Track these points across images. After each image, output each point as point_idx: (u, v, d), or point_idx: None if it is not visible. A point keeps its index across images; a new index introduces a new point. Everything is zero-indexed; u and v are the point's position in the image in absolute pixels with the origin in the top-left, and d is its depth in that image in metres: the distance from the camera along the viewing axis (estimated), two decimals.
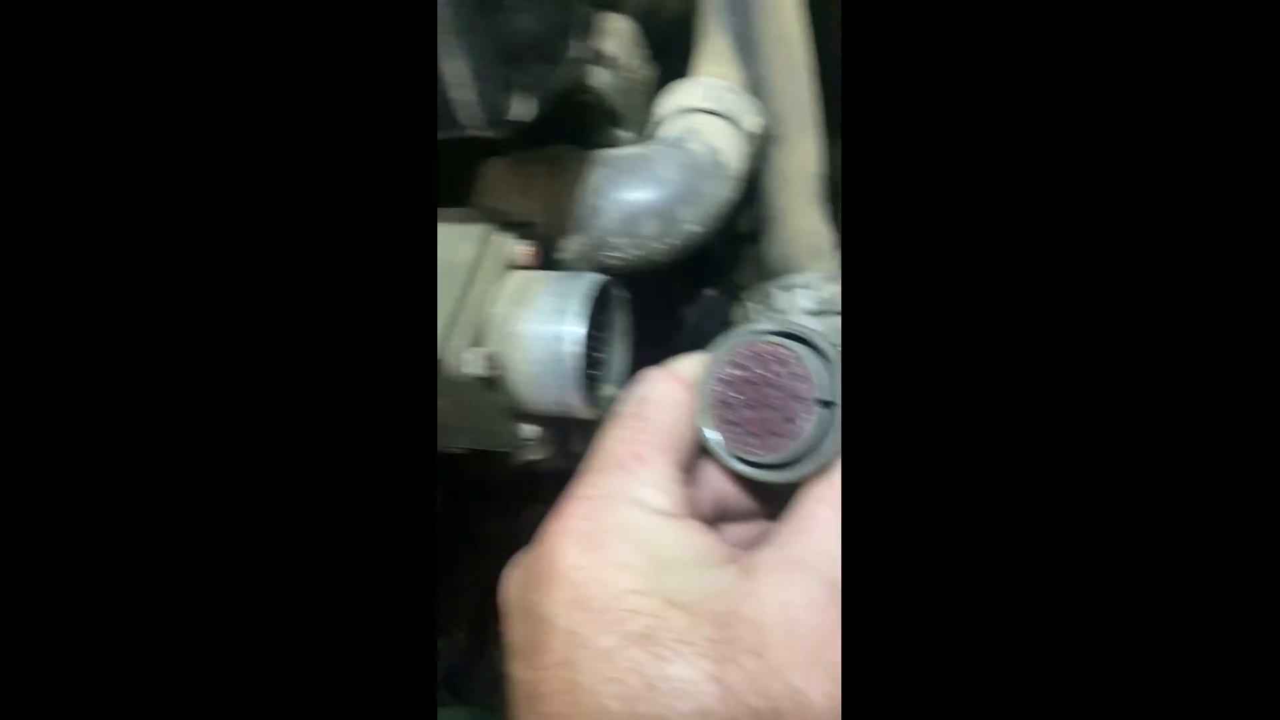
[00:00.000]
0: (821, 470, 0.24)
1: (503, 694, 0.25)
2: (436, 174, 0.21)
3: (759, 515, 0.26)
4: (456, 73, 0.20)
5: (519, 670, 0.23)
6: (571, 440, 0.37)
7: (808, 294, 0.32)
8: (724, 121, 0.31)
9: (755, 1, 0.35)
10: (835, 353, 0.24)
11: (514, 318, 0.26)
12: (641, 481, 0.23)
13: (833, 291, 0.33)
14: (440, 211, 0.28)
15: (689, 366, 0.25)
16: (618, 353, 0.29)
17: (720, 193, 0.30)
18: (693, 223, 0.29)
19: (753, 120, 0.32)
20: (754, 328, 0.25)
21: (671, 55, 0.39)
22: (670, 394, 0.25)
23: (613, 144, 0.33)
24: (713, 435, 0.25)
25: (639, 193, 0.29)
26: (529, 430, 0.29)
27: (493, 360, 0.25)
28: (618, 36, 0.33)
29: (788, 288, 0.29)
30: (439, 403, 0.26)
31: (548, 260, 0.29)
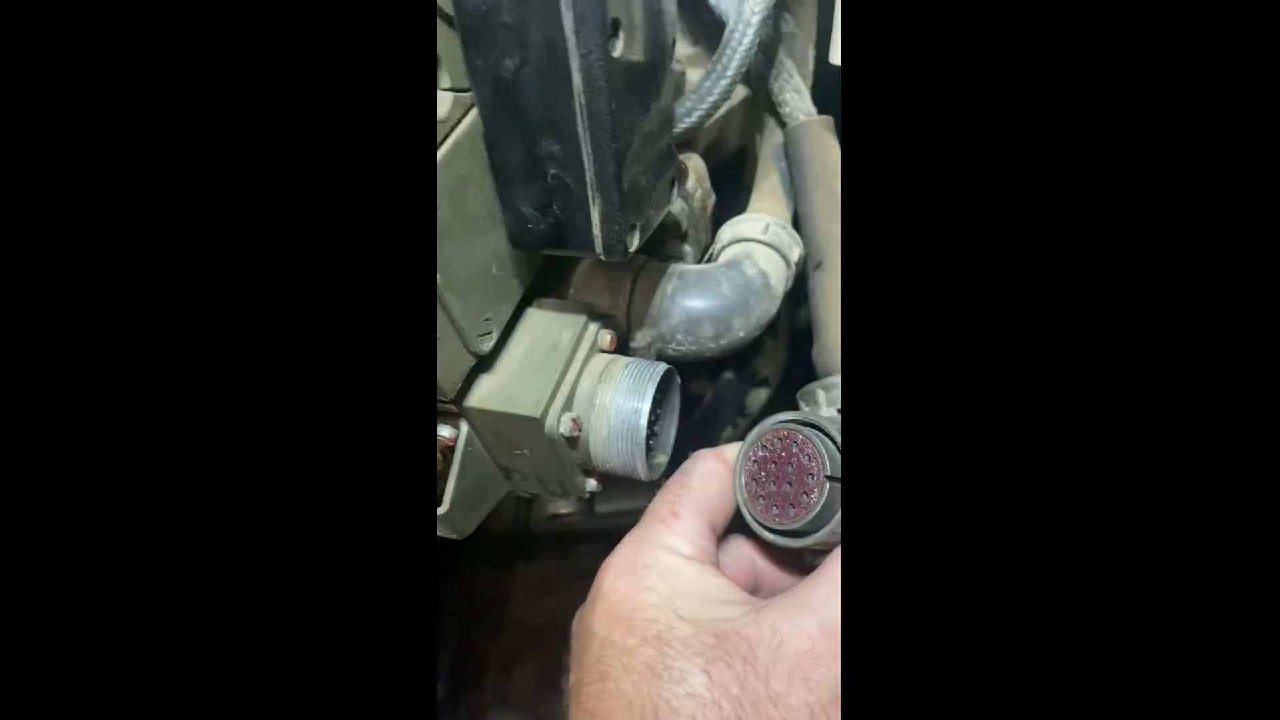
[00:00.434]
0: (837, 537, 0.29)
1: None
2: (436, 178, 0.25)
3: (787, 585, 0.31)
4: (598, 216, 0.27)
5: (571, 676, 0.29)
6: (597, 501, 0.43)
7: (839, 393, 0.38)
8: (774, 251, 0.38)
9: (800, 150, 0.42)
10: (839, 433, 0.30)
11: (598, 392, 0.32)
12: (674, 533, 0.30)
13: None
14: (543, 300, 0.35)
15: (731, 449, 0.31)
16: (670, 427, 0.36)
17: (766, 309, 0.37)
18: (742, 330, 0.36)
19: (797, 252, 0.39)
20: (779, 418, 0.31)
21: (726, 180, 0.47)
22: (710, 468, 0.31)
23: (680, 256, 0.41)
24: (745, 506, 0.30)
25: (702, 302, 0.36)
26: (591, 484, 0.35)
27: (578, 424, 0.32)
28: (693, 172, 0.41)
29: (826, 387, 0.35)
30: (524, 452, 0.33)
31: (623, 346, 0.36)
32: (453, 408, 0.31)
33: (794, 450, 0.29)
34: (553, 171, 0.26)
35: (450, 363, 0.29)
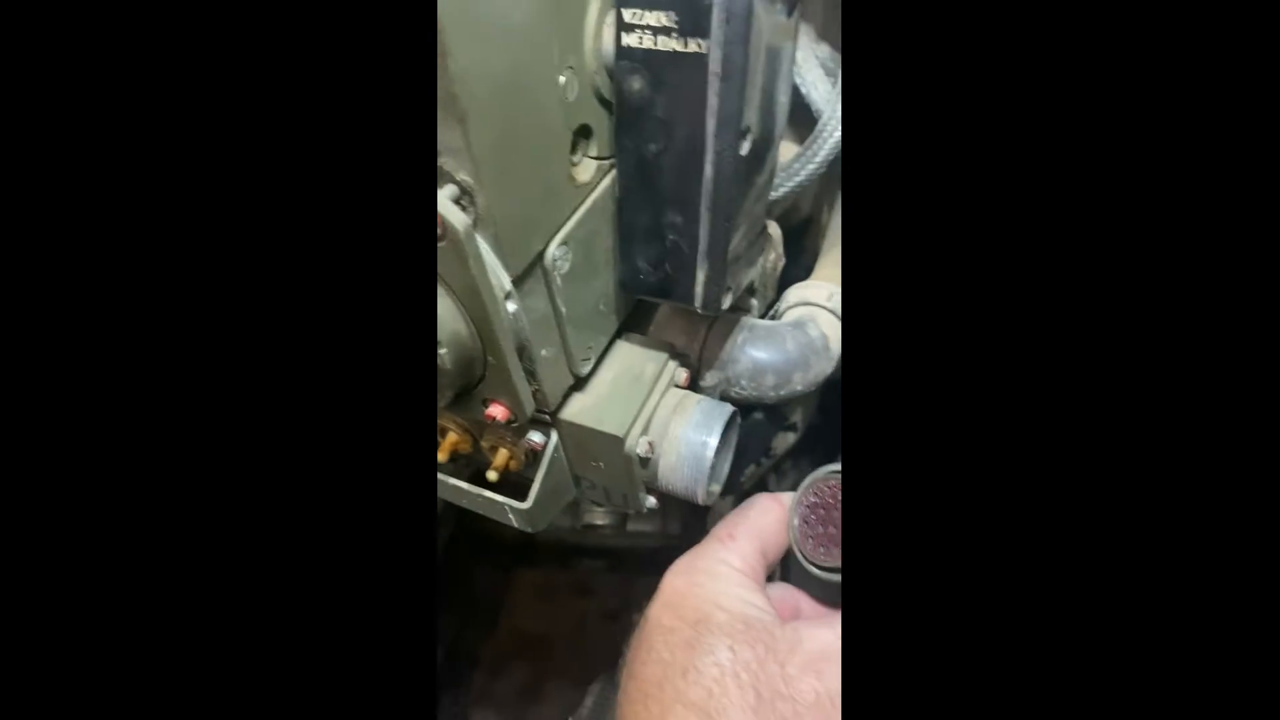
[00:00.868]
0: None
1: None
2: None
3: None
4: (703, 277, 0.32)
5: (627, 654, 0.33)
6: (630, 521, 0.48)
7: None
8: (835, 318, 0.43)
9: None
10: None
11: (672, 422, 0.37)
12: (729, 550, 0.35)
13: None
14: (631, 335, 0.40)
15: (787, 496, 0.36)
16: (725, 462, 0.40)
17: (824, 368, 0.42)
18: (800, 385, 0.41)
19: None
20: (832, 468, 0.35)
21: (791, 241, 0.52)
22: (767, 506, 0.36)
23: (747, 309, 0.46)
24: (796, 544, 0.35)
25: (767, 355, 0.41)
26: (651, 501, 0.40)
27: (652, 447, 0.37)
28: (770, 237, 0.46)
29: None
30: (599, 465, 0.37)
31: (693, 384, 0.41)
32: (547, 418, 0.36)
33: (840, 498, 0.34)
34: (671, 237, 0.32)
35: (556, 380, 0.34)
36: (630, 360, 0.38)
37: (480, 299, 0.27)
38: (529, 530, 0.38)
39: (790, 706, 0.28)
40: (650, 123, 0.29)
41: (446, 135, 0.24)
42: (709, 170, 0.29)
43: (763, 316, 0.46)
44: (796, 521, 0.35)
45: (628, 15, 0.27)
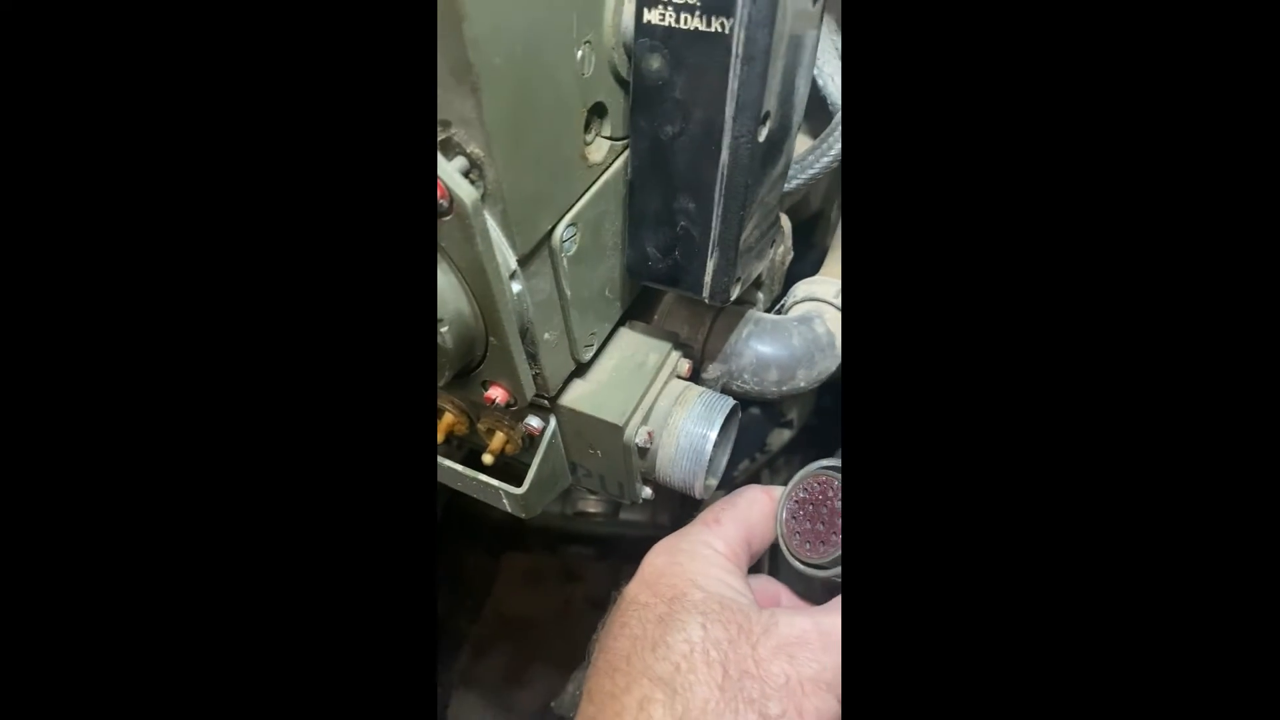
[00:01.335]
0: None
1: None
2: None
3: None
4: (712, 267, 0.31)
5: (601, 629, 0.33)
6: (622, 510, 0.47)
7: None
8: (841, 313, 0.42)
9: None
10: None
11: (672, 413, 0.36)
12: (713, 534, 0.34)
13: None
14: (634, 323, 0.39)
15: (777, 489, 0.36)
16: (724, 456, 0.40)
17: (828, 365, 0.41)
18: (803, 381, 0.40)
19: None
20: (823, 463, 0.35)
21: (800, 236, 0.52)
22: (755, 497, 0.36)
23: (753, 301, 0.45)
24: (782, 538, 0.35)
25: (772, 349, 0.40)
26: (647, 492, 0.39)
27: (651, 437, 0.36)
28: (781, 230, 0.45)
29: None
30: (595, 451, 0.37)
31: (695, 375, 0.40)
32: (546, 403, 0.36)
33: (829, 495, 0.34)
34: (682, 223, 0.31)
35: (558, 365, 0.33)
36: (633, 348, 0.38)
37: (485, 277, 0.26)
38: (522, 516, 0.37)
39: (759, 687, 0.28)
40: (667, 104, 0.28)
41: (458, 104, 0.23)
42: (725, 156, 0.28)
43: (768, 310, 0.45)
44: (784, 515, 0.35)
45: None
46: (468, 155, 0.24)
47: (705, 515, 0.36)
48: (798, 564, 0.34)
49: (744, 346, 0.40)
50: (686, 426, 0.36)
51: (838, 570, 0.33)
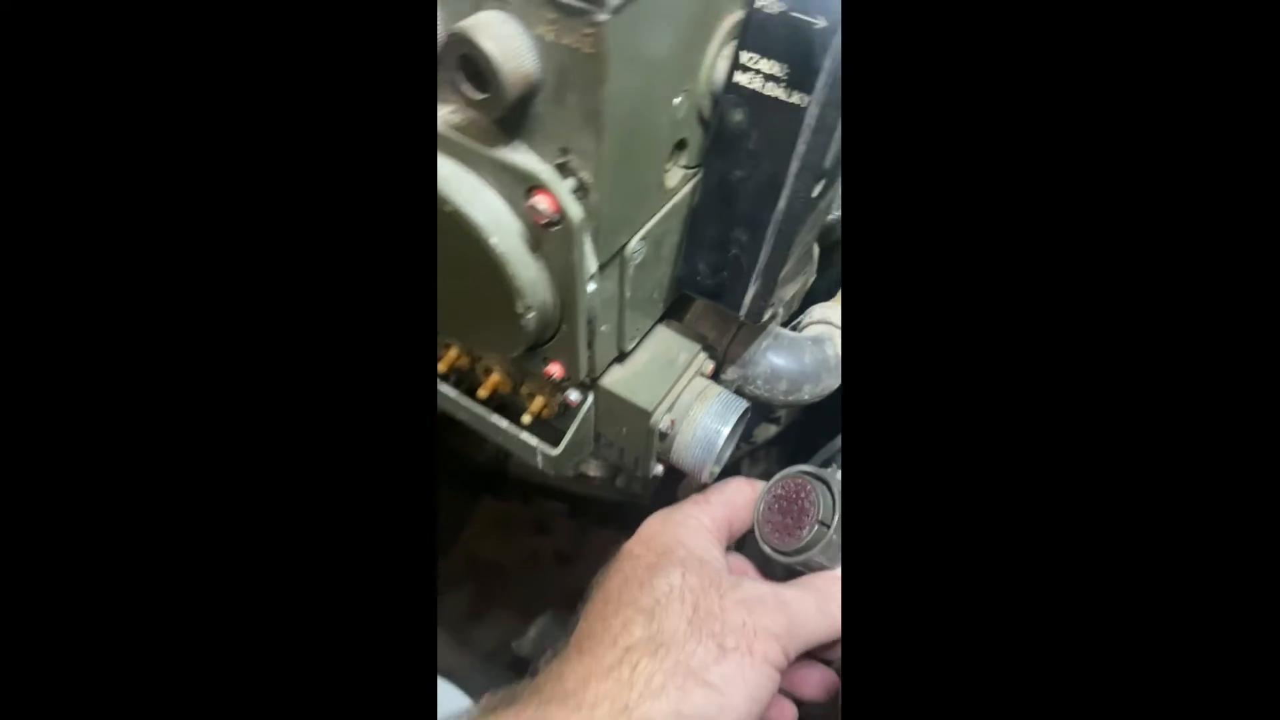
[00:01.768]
0: (817, 565, 0.40)
1: None
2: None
3: None
4: (753, 291, 0.36)
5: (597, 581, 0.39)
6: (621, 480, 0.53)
7: None
8: None
9: None
10: (841, 495, 0.40)
11: (693, 407, 0.42)
12: (702, 510, 0.42)
13: None
14: (670, 322, 0.45)
15: (759, 484, 0.42)
16: (729, 449, 0.46)
17: (831, 384, 0.47)
18: (807, 395, 0.46)
19: None
20: (800, 468, 0.42)
21: (823, 259, 0.57)
22: (740, 486, 0.43)
23: (774, 316, 0.50)
24: (757, 524, 0.41)
25: (785, 363, 0.46)
26: (659, 469, 0.45)
27: (673, 424, 0.41)
28: (811, 259, 0.50)
29: None
30: (622, 429, 0.42)
31: (715, 375, 0.46)
32: (587, 382, 0.41)
33: (802, 495, 0.41)
34: (734, 251, 0.36)
35: (605, 352, 0.39)
36: (667, 345, 0.43)
37: (572, 278, 0.31)
38: (550, 473, 0.43)
39: (720, 625, 0.34)
40: (741, 152, 0.33)
41: (581, 140, 0.28)
42: (783, 204, 0.33)
43: (785, 325, 0.50)
44: (762, 507, 0.41)
45: (744, 58, 0.31)
46: (579, 179, 0.29)
47: (697, 496, 0.43)
48: (766, 548, 0.41)
49: (761, 356, 0.46)
50: (704, 420, 0.41)
51: (798, 559, 0.40)
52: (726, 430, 0.41)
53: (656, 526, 0.41)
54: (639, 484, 1.10)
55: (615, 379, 0.41)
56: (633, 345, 0.41)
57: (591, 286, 0.33)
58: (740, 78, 0.31)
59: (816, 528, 0.39)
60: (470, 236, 0.30)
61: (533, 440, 0.41)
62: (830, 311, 0.49)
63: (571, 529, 1.29)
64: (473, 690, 0.72)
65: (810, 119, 0.31)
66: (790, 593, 0.37)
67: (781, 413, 0.73)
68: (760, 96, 0.31)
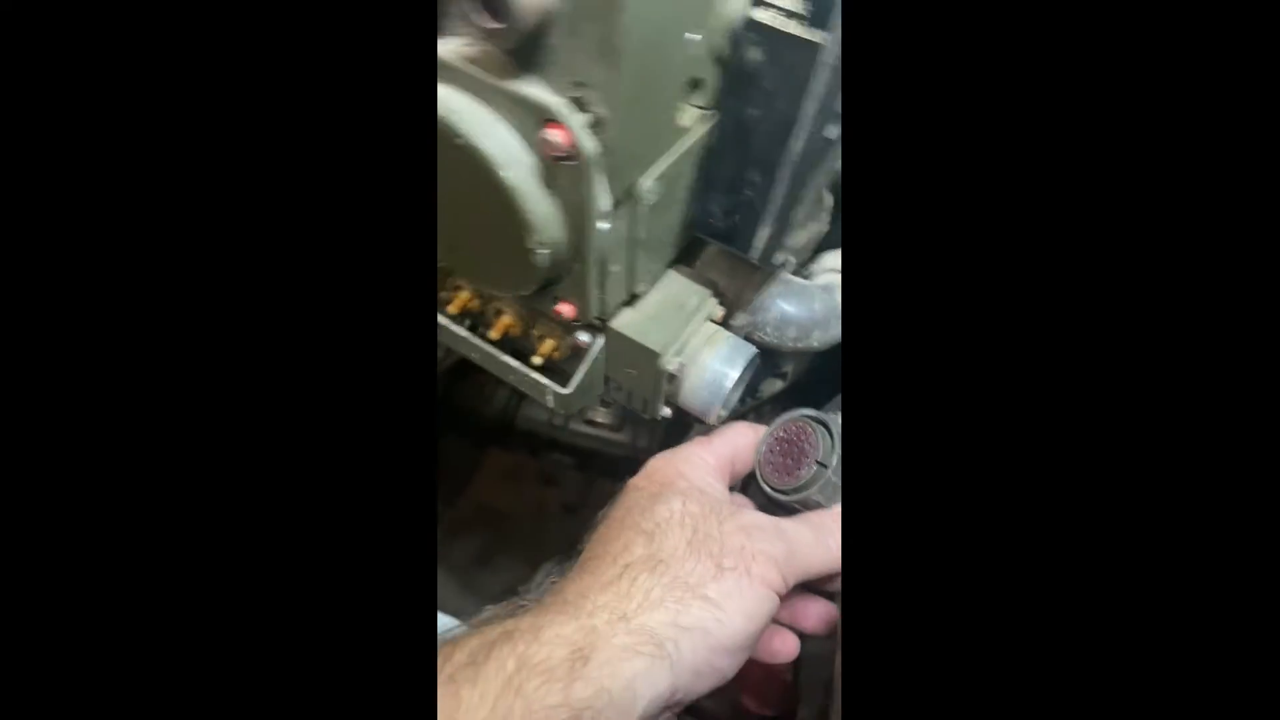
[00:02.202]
0: (814, 504, 0.41)
1: None
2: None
3: None
4: (765, 234, 0.37)
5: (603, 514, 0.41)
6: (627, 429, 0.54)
7: None
8: None
9: None
10: (840, 439, 0.41)
11: (701, 351, 0.42)
12: (704, 449, 0.42)
13: None
14: (680, 267, 0.45)
15: (761, 428, 0.43)
16: (736, 393, 0.46)
17: (840, 331, 0.47)
18: (816, 342, 0.47)
19: None
20: (801, 412, 0.43)
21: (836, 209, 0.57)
22: (743, 429, 0.43)
23: (785, 264, 0.50)
24: (758, 466, 0.42)
25: (795, 309, 0.46)
26: (666, 411, 0.46)
27: (681, 367, 0.42)
28: (824, 206, 0.50)
29: None
30: (632, 371, 0.43)
31: (725, 321, 0.46)
32: (598, 324, 0.41)
33: (802, 438, 0.41)
34: (747, 192, 0.36)
35: (616, 294, 0.39)
36: (677, 289, 0.43)
37: (584, 215, 0.31)
38: (561, 412, 0.43)
39: (718, 546, 0.35)
40: (756, 91, 0.33)
41: (597, 74, 0.27)
42: (796, 146, 0.33)
43: (796, 272, 0.50)
44: (764, 448, 0.42)
45: None
46: (594, 114, 0.29)
47: (701, 438, 0.43)
48: (766, 487, 0.42)
49: (771, 303, 0.46)
50: (713, 364, 0.42)
51: (796, 498, 0.41)
52: (735, 374, 0.42)
53: (660, 462, 0.42)
54: (645, 437, 1.12)
55: (626, 321, 0.41)
56: (644, 288, 0.41)
57: (604, 226, 0.33)
58: (759, 14, 0.31)
59: (815, 468, 0.40)
60: (482, 170, 0.30)
61: (544, 380, 0.42)
62: (838, 261, 0.49)
63: (578, 481, 1.31)
64: None
65: (829, 57, 0.30)
66: (788, 523, 0.38)
67: (787, 368, 0.73)
68: (779, 33, 0.31)
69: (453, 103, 0.29)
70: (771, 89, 0.33)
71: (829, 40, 0.30)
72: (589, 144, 0.28)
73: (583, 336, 0.42)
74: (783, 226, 0.36)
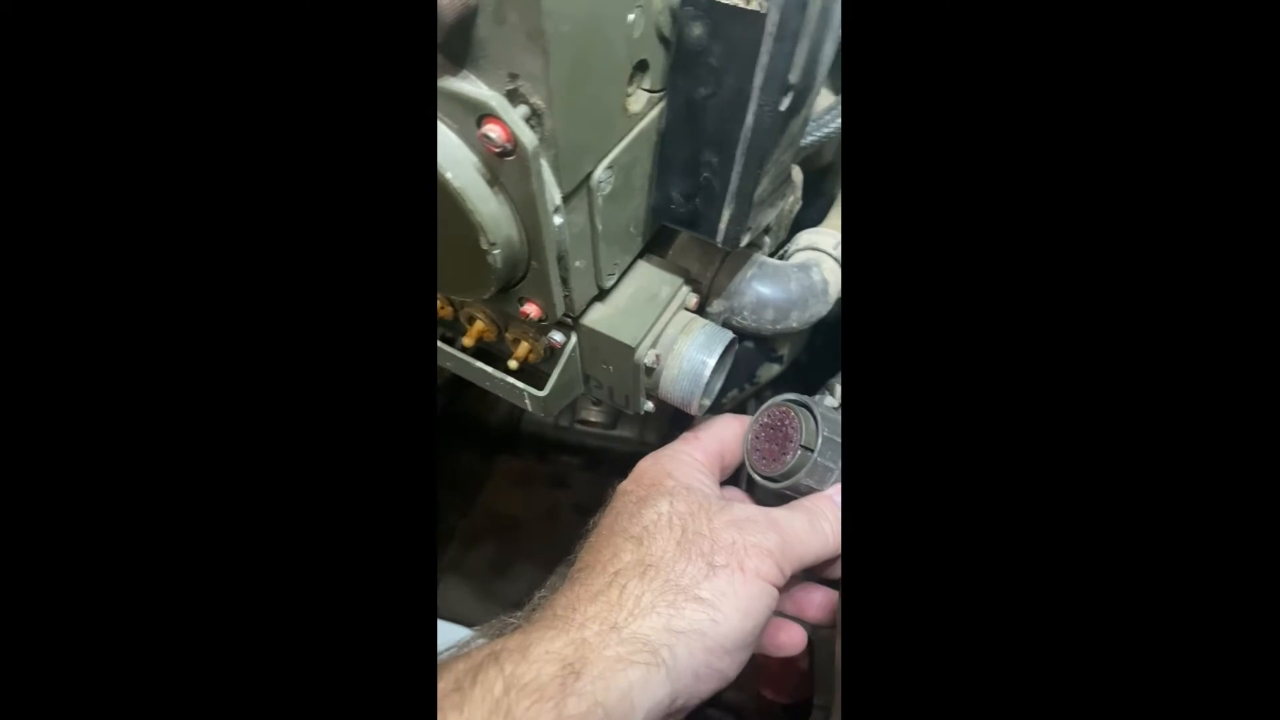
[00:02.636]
0: (806, 488, 0.40)
1: None
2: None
3: None
4: (728, 215, 0.35)
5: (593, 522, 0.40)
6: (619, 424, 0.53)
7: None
8: (838, 265, 0.47)
9: None
10: (824, 419, 0.40)
11: (678, 340, 0.41)
12: (691, 445, 0.42)
13: None
14: (651, 256, 0.44)
15: (747, 418, 0.42)
16: (718, 381, 0.45)
17: (819, 310, 0.46)
18: (795, 322, 0.45)
19: None
20: (785, 397, 0.42)
21: (809, 184, 0.55)
22: (728, 421, 0.43)
23: (760, 245, 0.49)
24: (746, 454, 0.42)
25: (771, 291, 0.45)
26: (649, 405, 0.45)
27: (658, 359, 0.41)
28: (793, 182, 0.49)
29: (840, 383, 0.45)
30: (608, 367, 0.42)
31: (701, 309, 0.45)
32: (569, 321, 0.40)
33: (786, 422, 0.41)
34: (705, 174, 0.35)
35: (583, 289, 0.38)
36: (649, 279, 0.42)
37: (535, 210, 0.30)
38: (540, 414, 0.43)
39: (709, 544, 0.34)
40: (703, 68, 0.32)
41: (528, 62, 0.27)
42: (750, 120, 0.32)
43: (773, 254, 0.49)
44: (750, 436, 0.41)
45: None
46: (530, 105, 0.28)
47: (686, 434, 0.43)
48: (756, 477, 0.41)
49: (746, 286, 0.45)
50: (689, 353, 0.41)
51: (786, 484, 0.40)
52: (712, 361, 0.41)
53: (647, 464, 0.41)
54: (653, 432, 1.11)
55: (597, 317, 0.40)
56: (612, 282, 0.40)
57: (558, 220, 0.32)
58: None
59: (800, 452, 0.39)
60: None
61: (519, 384, 0.41)
62: (817, 237, 0.48)
63: (589, 482, 1.31)
64: None
65: (771, 25, 0.29)
66: (780, 513, 0.37)
67: (784, 352, 0.72)
68: (718, 6, 0.30)
69: None
70: (718, 65, 0.31)
71: (769, 7, 0.29)
72: (528, 136, 0.27)
73: (556, 336, 0.41)
74: (745, 206, 0.35)
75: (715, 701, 0.40)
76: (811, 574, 0.42)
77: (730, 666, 0.33)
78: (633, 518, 0.36)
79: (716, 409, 0.69)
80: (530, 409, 0.42)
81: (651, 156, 0.36)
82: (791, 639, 0.41)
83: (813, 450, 0.39)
